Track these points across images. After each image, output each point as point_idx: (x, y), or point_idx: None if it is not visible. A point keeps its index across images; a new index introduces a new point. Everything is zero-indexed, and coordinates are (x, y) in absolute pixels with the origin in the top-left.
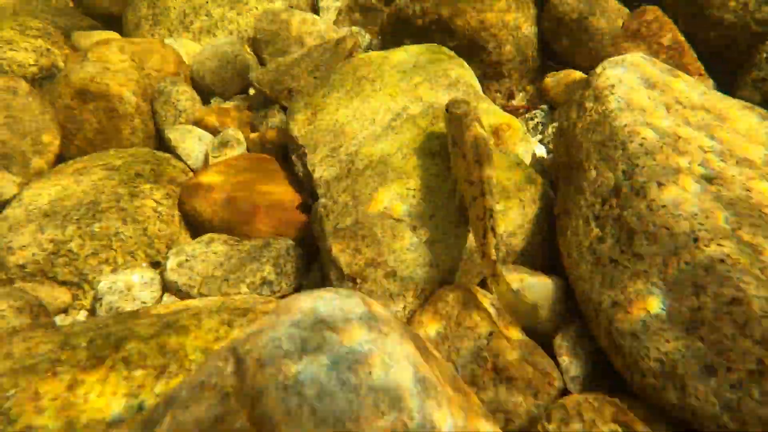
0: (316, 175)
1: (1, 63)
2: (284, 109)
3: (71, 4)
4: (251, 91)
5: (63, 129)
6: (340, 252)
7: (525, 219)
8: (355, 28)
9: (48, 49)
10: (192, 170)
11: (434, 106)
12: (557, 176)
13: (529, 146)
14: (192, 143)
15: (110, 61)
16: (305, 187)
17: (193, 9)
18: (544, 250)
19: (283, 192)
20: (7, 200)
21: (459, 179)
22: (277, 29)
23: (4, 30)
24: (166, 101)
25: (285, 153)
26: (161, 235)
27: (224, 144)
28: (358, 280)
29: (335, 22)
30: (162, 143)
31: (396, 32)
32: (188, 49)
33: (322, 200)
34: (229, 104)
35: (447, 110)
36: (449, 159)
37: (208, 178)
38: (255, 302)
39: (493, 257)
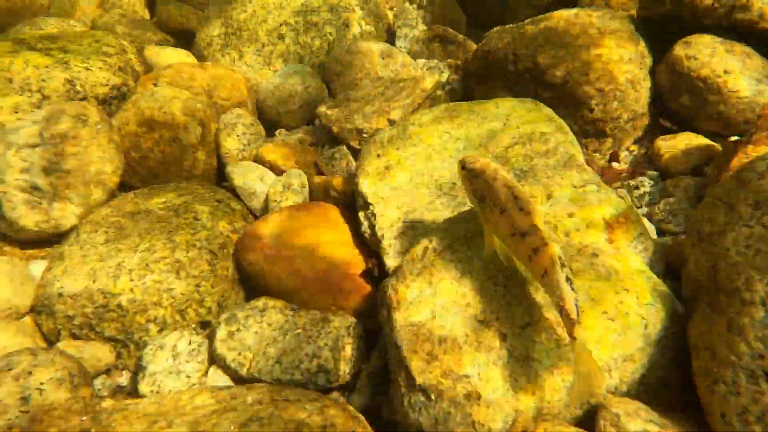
0: (384, 243)
1: (75, 83)
2: (351, 149)
3: (147, 17)
4: (317, 122)
5: (126, 156)
6: (411, 353)
7: (647, 341)
8: (432, 62)
9: (121, 68)
10: (252, 212)
11: None
12: (691, 290)
13: (649, 244)
14: (253, 182)
15: (179, 88)
16: (372, 250)
17: (266, 31)
18: (670, 381)
19: (346, 253)
20: (65, 232)
21: (502, 237)
22: (351, 60)
23: (83, 46)
24: (230, 134)
25: (351, 203)
26: (214, 291)
27: (287, 188)
28: (433, 396)
29: (410, 52)
30: (223, 177)
31: (481, 74)
32: (257, 74)
33: (392, 281)
34: (293, 138)
35: (463, 167)
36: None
37: (266, 228)
38: (310, 412)
39: (573, 315)
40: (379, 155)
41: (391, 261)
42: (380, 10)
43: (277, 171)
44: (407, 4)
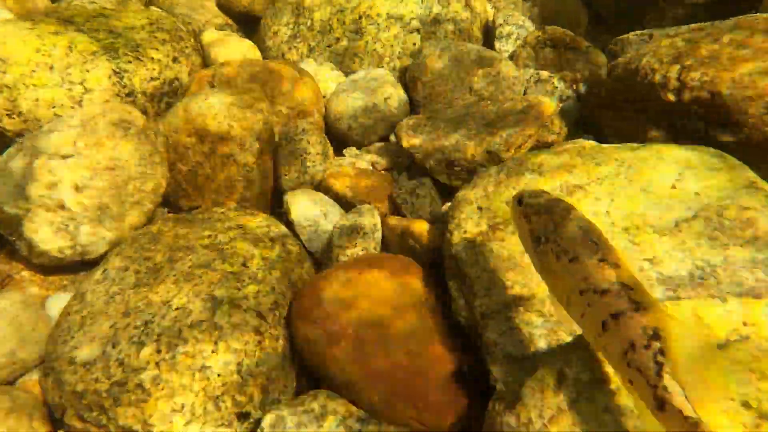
0: (489, 336)
1: (122, 75)
2: (438, 185)
3: None
4: (391, 138)
5: (172, 169)
6: None
7: None
8: (542, 73)
9: (175, 59)
10: (310, 254)
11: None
12: None
13: None
14: (315, 218)
15: (238, 92)
16: (469, 340)
17: (341, 24)
18: None
19: (433, 341)
20: (93, 259)
21: (566, 295)
22: (441, 66)
23: (135, 29)
24: (292, 152)
25: (437, 260)
26: (258, 372)
27: (356, 231)
28: None
29: (513, 57)
30: (278, 203)
31: (617, 99)
32: (327, 76)
33: (508, 418)
34: (364, 160)
35: (519, 202)
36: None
37: (328, 290)
38: None
39: (689, 412)
40: (480, 208)
41: (498, 370)
42: (476, 3)
43: (345, 203)
44: None
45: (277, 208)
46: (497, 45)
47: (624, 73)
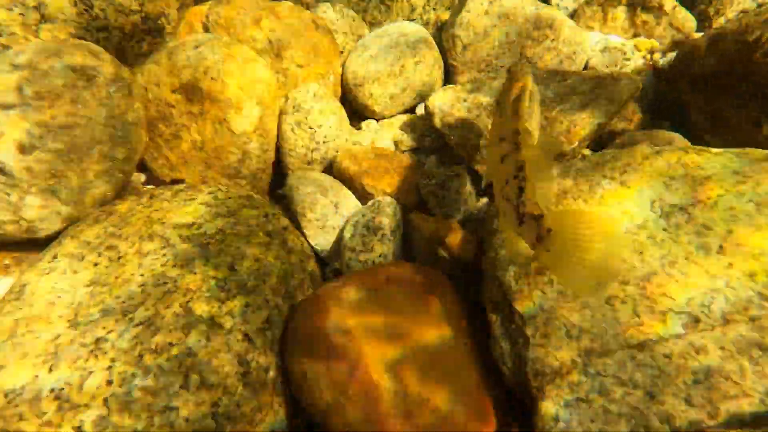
0: (547, 409)
1: (92, 3)
2: (473, 173)
3: None
4: (419, 110)
5: (152, 129)
6: None
7: None
8: (612, 40)
9: None
10: (316, 254)
11: None
12: None
13: None
14: (321, 209)
15: (237, 42)
16: (515, 400)
17: None
18: None
19: (462, 401)
20: (47, 237)
21: (490, 149)
22: (488, 23)
23: None
24: (300, 123)
25: (473, 277)
26: (239, 415)
27: (371, 231)
28: None
29: (574, 15)
30: (279, 181)
31: (722, 82)
32: (347, 27)
33: None
34: (386, 137)
35: (508, 72)
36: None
37: (336, 314)
38: None
39: (534, 210)
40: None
41: None
42: None
43: (360, 191)
44: None
45: (277, 188)
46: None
47: (735, 45)
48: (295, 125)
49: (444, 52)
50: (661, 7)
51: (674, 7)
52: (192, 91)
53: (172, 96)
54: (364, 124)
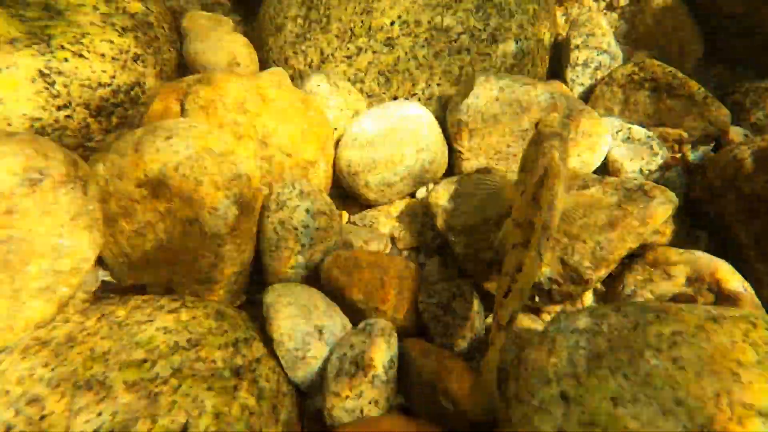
0: None
1: (53, 78)
2: (486, 296)
3: None
4: (420, 194)
5: (112, 224)
6: None
7: None
8: (637, 131)
9: (137, 56)
10: (296, 387)
11: None
12: None
13: None
14: (302, 337)
15: (218, 128)
16: None
17: (367, 29)
18: None
19: None
20: None
21: (508, 220)
22: (498, 111)
23: (83, 10)
24: (284, 222)
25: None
26: None
27: (362, 369)
28: None
29: (590, 96)
30: (258, 285)
31: (765, 206)
32: (342, 102)
33: None
34: (380, 233)
35: (536, 126)
36: None
37: None
38: None
39: (502, 320)
40: (566, 398)
41: None
42: (545, 13)
43: (350, 307)
44: (592, 4)
45: (256, 293)
46: (569, 74)
47: None
48: (279, 224)
49: (448, 136)
50: (691, 96)
51: (705, 97)
52: (159, 187)
53: (137, 190)
54: (357, 217)
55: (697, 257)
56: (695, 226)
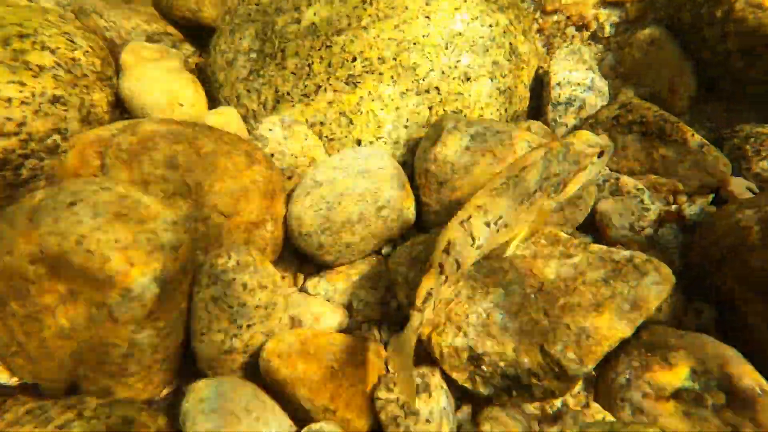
0: None
1: None
2: (453, 385)
3: None
4: (386, 251)
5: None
6: None
7: None
8: (627, 180)
9: (56, 98)
10: None
11: None
12: None
13: None
14: None
15: (136, 189)
16: None
17: (327, 65)
18: None
19: None
20: None
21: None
22: (469, 161)
23: (8, 41)
24: (218, 299)
25: None
26: None
27: None
28: None
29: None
30: (187, 375)
31: None
32: (299, 149)
33: None
34: (332, 305)
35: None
36: None
37: None
38: None
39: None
40: None
41: None
42: (523, 46)
43: (295, 406)
44: (576, 33)
45: (192, 376)
46: (551, 114)
47: None
48: (211, 302)
49: (416, 188)
50: (685, 142)
51: (701, 146)
52: (59, 265)
53: (31, 268)
54: (311, 284)
55: (703, 343)
56: (696, 295)
